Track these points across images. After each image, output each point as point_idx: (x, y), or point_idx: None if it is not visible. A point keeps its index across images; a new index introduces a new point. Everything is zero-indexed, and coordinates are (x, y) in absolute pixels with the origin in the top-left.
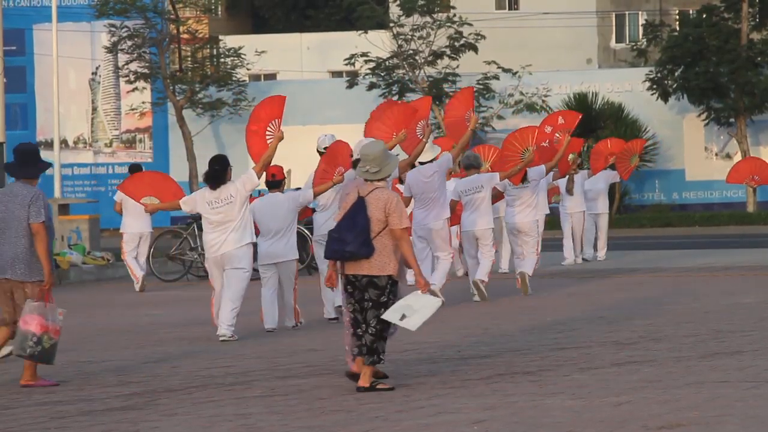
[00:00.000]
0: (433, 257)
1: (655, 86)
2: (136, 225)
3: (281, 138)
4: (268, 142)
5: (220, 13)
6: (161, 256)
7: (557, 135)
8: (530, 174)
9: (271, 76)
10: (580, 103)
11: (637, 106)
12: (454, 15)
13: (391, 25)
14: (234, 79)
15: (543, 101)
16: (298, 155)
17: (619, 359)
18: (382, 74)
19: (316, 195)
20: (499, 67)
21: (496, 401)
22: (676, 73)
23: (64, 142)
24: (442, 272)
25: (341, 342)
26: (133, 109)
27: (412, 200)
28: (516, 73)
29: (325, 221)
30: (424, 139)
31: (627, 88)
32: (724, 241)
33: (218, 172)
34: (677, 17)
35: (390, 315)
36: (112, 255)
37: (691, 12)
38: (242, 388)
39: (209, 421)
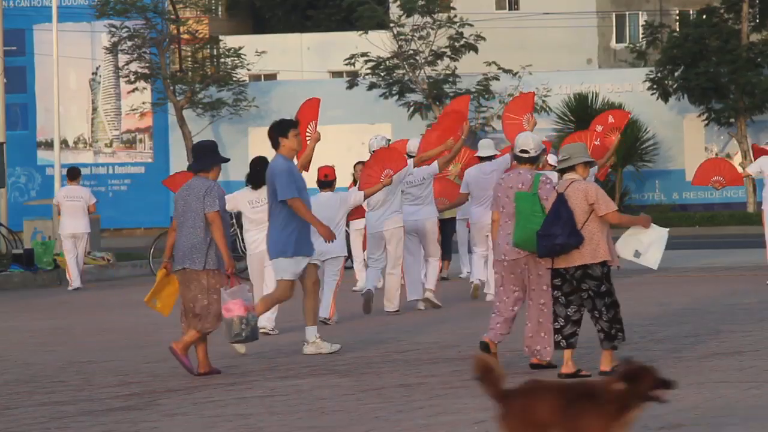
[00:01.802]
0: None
1: (655, 86)
2: (70, 226)
3: (318, 139)
4: (307, 143)
5: (220, 13)
6: (161, 256)
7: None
8: None
9: (271, 77)
10: (580, 103)
11: (637, 106)
12: (455, 15)
13: (392, 25)
14: (234, 79)
15: (543, 101)
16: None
17: (618, 359)
18: (383, 74)
19: (366, 197)
20: (499, 68)
21: None
22: (677, 74)
23: (64, 143)
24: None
25: (342, 341)
26: (133, 110)
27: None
28: (516, 73)
29: (377, 219)
30: (463, 137)
31: (627, 88)
32: (724, 241)
33: (260, 173)
34: (677, 18)
35: (623, 251)
36: (112, 255)
37: (691, 12)
38: (242, 388)
39: (209, 422)
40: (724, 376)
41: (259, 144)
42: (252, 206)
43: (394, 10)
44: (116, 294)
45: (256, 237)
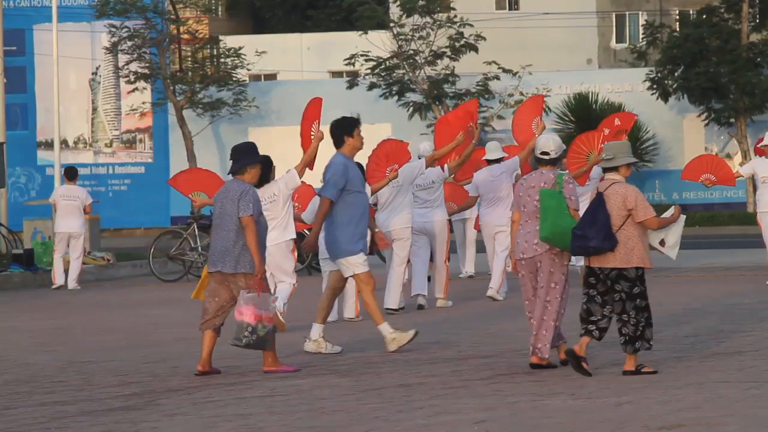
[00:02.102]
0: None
1: (655, 86)
2: (65, 225)
3: (321, 138)
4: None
5: (220, 13)
6: (161, 257)
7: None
8: (592, 173)
9: (271, 77)
10: (580, 103)
11: (637, 106)
12: (455, 15)
13: (392, 25)
14: (234, 79)
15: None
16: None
17: (619, 359)
18: (383, 74)
19: (372, 192)
20: (499, 68)
21: (497, 402)
22: (676, 74)
23: (64, 143)
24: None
25: (342, 341)
26: (133, 110)
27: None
28: (516, 73)
29: (386, 219)
30: (473, 141)
31: (627, 88)
32: (724, 241)
33: (262, 172)
34: (677, 17)
35: (650, 239)
36: (112, 255)
37: (691, 12)
38: (242, 388)
39: (209, 422)
40: (724, 376)
41: (259, 144)
42: None
43: (394, 10)
44: (116, 294)
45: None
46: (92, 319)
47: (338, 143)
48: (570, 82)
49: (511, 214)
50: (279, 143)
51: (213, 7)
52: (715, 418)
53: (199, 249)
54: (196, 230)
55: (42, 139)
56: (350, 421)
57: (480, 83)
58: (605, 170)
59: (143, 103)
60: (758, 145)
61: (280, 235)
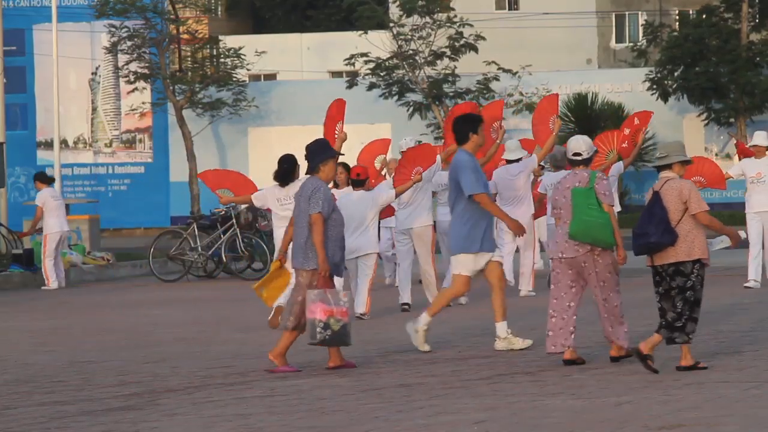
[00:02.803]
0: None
1: (655, 86)
2: (57, 224)
3: (345, 139)
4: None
5: (220, 13)
6: (161, 257)
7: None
8: (611, 171)
9: (271, 77)
10: (580, 103)
11: (637, 106)
12: (455, 16)
13: (391, 25)
14: (234, 79)
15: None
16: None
17: (624, 361)
18: (382, 74)
19: (397, 195)
20: (499, 68)
21: (497, 401)
22: (676, 74)
23: (64, 143)
24: (528, 268)
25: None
26: (133, 110)
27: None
28: (516, 73)
29: (407, 217)
30: (498, 141)
31: (627, 88)
32: None
33: (287, 171)
34: (677, 17)
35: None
36: (112, 255)
37: (691, 12)
38: (242, 388)
39: (209, 422)
40: (724, 376)
41: (258, 144)
42: (280, 203)
43: (394, 10)
44: (116, 294)
45: (283, 233)
46: (92, 319)
47: (462, 140)
48: (570, 82)
49: (554, 220)
50: (279, 143)
51: (213, 7)
52: (715, 418)
53: (199, 249)
54: (196, 230)
55: (42, 139)
56: (350, 421)
57: (480, 83)
58: (659, 169)
59: (143, 103)
60: (747, 145)
61: None
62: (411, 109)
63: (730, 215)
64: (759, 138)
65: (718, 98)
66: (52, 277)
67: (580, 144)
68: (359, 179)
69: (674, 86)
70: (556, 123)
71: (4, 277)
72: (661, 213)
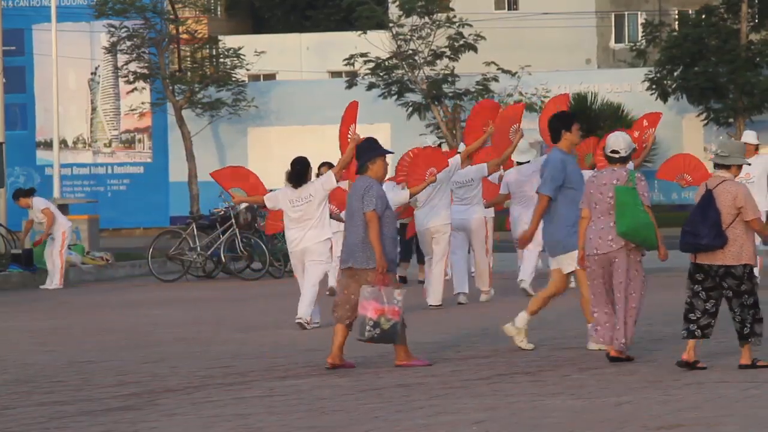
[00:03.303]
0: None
1: (654, 86)
2: (65, 221)
3: (358, 141)
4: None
5: (219, 13)
6: (160, 257)
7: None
8: None
9: (270, 77)
10: (579, 103)
11: (636, 106)
12: (454, 16)
13: (391, 25)
14: (233, 79)
15: (542, 101)
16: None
17: (619, 362)
18: (382, 74)
19: (411, 195)
20: (498, 68)
21: (496, 401)
22: (676, 74)
23: (63, 143)
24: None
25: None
26: (132, 110)
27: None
28: (515, 73)
29: (424, 217)
30: (515, 143)
31: (626, 88)
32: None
33: (300, 172)
34: (676, 17)
35: None
36: (112, 255)
37: (690, 12)
38: (241, 388)
39: (208, 422)
40: (723, 376)
41: (258, 144)
42: (292, 205)
43: (393, 11)
44: (115, 294)
45: (296, 235)
46: (91, 319)
47: (555, 138)
48: (569, 82)
49: (581, 210)
50: (278, 143)
51: (212, 7)
52: (715, 418)
53: (198, 249)
54: (195, 230)
55: (41, 139)
56: (350, 421)
57: (479, 83)
58: (716, 166)
59: (142, 103)
60: None
61: (317, 234)
62: (410, 109)
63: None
64: (748, 137)
65: (717, 98)
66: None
67: (619, 141)
68: None
69: (673, 86)
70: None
71: (3, 277)
72: (715, 216)
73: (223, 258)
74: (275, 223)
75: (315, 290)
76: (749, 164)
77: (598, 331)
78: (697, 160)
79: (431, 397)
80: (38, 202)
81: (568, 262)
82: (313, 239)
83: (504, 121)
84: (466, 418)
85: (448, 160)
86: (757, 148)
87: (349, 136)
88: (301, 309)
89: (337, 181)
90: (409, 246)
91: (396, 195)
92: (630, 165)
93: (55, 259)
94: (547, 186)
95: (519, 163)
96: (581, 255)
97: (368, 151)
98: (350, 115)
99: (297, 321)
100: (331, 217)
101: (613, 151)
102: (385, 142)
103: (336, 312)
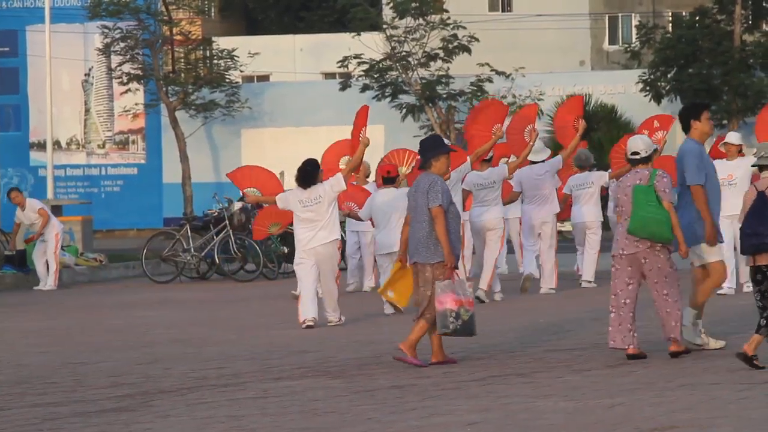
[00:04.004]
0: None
1: (648, 88)
2: (58, 222)
3: (367, 144)
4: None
5: (213, 14)
6: (154, 258)
7: (657, 134)
8: None
9: (264, 78)
10: None
11: (630, 108)
12: (448, 18)
13: (384, 27)
14: (227, 80)
15: (536, 103)
16: (291, 156)
17: (612, 361)
18: (375, 76)
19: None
20: (492, 70)
21: (489, 403)
22: (669, 75)
23: (57, 144)
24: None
25: (334, 343)
26: (126, 111)
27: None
28: (509, 75)
29: None
30: (531, 143)
31: (620, 90)
32: None
33: (310, 174)
34: (670, 19)
35: None
36: (105, 256)
37: (684, 14)
38: (235, 389)
39: (202, 423)
40: (717, 378)
41: (251, 145)
42: (303, 206)
43: (387, 12)
44: (109, 295)
45: (306, 234)
46: (85, 320)
47: (686, 128)
48: (563, 83)
49: (615, 216)
50: (272, 144)
51: (206, 9)
52: (708, 419)
53: (192, 250)
54: (189, 231)
55: (35, 140)
56: (343, 422)
57: (473, 85)
58: (761, 168)
59: (136, 104)
60: (718, 145)
61: (328, 235)
62: (404, 110)
63: None
64: (732, 137)
65: (711, 100)
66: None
67: (638, 143)
68: (390, 177)
69: (667, 88)
70: (580, 124)
71: None
72: None
73: (216, 259)
74: (262, 228)
75: (335, 291)
76: None
77: (610, 331)
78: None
79: (424, 399)
80: (33, 203)
81: (708, 251)
82: (323, 240)
83: (519, 121)
84: (460, 419)
85: (462, 163)
86: (740, 149)
87: (360, 138)
88: (326, 313)
89: (346, 183)
90: None
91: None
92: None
93: (49, 261)
94: (698, 175)
95: (532, 162)
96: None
97: (432, 148)
98: (362, 119)
99: (329, 324)
100: (349, 216)
101: (634, 153)
102: (378, 144)
103: (420, 311)
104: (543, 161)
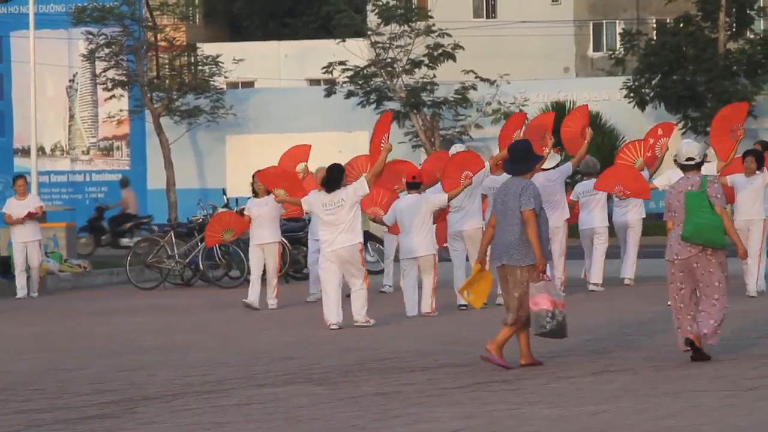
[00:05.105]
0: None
1: (632, 95)
2: (20, 234)
3: (389, 150)
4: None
5: (197, 20)
6: (138, 264)
7: (661, 141)
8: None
9: (248, 84)
10: (558, 111)
11: (614, 114)
12: (433, 25)
13: (369, 33)
14: (212, 86)
15: (520, 110)
16: (275, 162)
17: (596, 368)
18: (360, 82)
19: (449, 199)
20: (477, 77)
21: (474, 410)
22: (654, 82)
23: (41, 150)
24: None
25: (318, 350)
26: (110, 117)
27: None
28: (494, 82)
29: (458, 220)
30: (546, 150)
31: (604, 96)
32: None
33: (334, 178)
34: (654, 26)
35: None
36: (89, 263)
37: (668, 21)
38: (220, 396)
39: (186, 430)
40: (701, 385)
41: (236, 151)
42: (325, 209)
43: (372, 19)
44: (93, 302)
45: (328, 237)
46: (69, 326)
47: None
48: (547, 90)
49: (666, 222)
50: (256, 151)
51: (190, 15)
52: (692, 426)
53: (176, 257)
54: (173, 238)
55: (19, 146)
56: (327, 429)
57: (458, 92)
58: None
59: (120, 110)
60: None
61: (350, 238)
62: None
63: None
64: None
65: (695, 107)
66: (20, 290)
67: (692, 149)
68: (415, 182)
69: (651, 94)
70: (587, 132)
71: None
72: None
73: (201, 266)
74: (215, 235)
75: (364, 293)
76: None
77: (678, 333)
78: (634, 171)
79: (408, 406)
80: (36, 198)
81: None
82: (345, 242)
83: (534, 129)
84: (444, 426)
85: (481, 168)
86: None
87: (382, 145)
88: (354, 314)
89: (369, 189)
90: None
91: (434, 198)
92: (646, 172)
93: (32, 268)
94: None
95: (544, 169)
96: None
97: (528, 158)
98: (383, 125)
99: (355, 324)
100: (374, 221)
101: (689, 159)
102: (363, 151)
103: (509, 314)
104: (554, 168)
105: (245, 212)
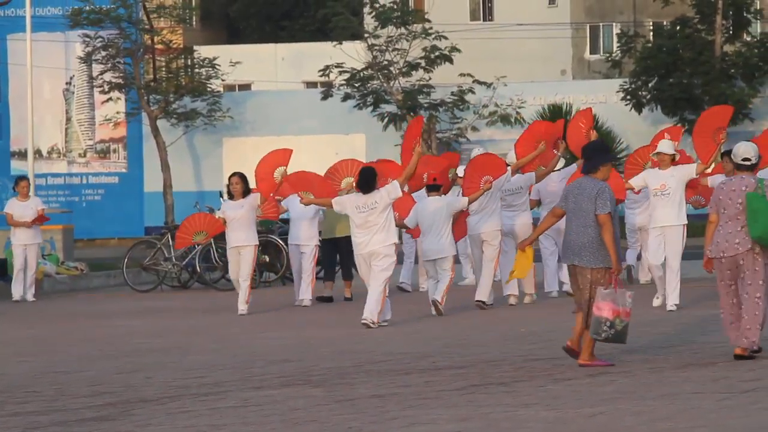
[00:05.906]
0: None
1: (629, 97)
2: (22, 236)
3: (421, 153)
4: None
5: (194, 23)
6: (135, 267)
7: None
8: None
9: (245, 87)
10: (555, 114)
11: (611, 117)
12: (430, 28)
13: (366, 36)
14: (208, 89)
15: (517, 113)
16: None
17: (593, 370)
18: (357, 85)
19: (470, 202)
20: (474, 80)
21: (470, 412)
22: (650, 85)
23: (38, 152)
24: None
25: (315, 352)
26: (107, 120)
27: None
28: (491, 84)
29: (476, 222)
30: (558, 153)
31: (601, 99)
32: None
33: (369, 180)
34: (651, 29)
35: None
36: (86, 265)
37: (665, 23)
38: (216, 398)
39: None
40: (698, 387)
41: (233, 154)
42: (358, 211)
43: (369, 21)
44: (90, 304)
45: (362, 239)
46: (66, 329)
47: None
48: (544, 93)
49: (709, 215)
50: (253, 154)
51: (187, 18)
52: (689, 429)
53: (173, 259)
54: (170, 240)
55: (16, 149)
56: (323, 431)
57: (454, 94)
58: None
59: (117, 113)
60: (650, 155)
61: (385, 238)
62: (386, 119)
63: (702, 225)
64: (664, 146)
65: (691, 109)
66: (17, 293)
67: (749, 150)
68: (435, 184)
69: (648, 97)
70: (592, 134)
71: None
72: None
73: (198, 268)
74: (186, 237)
75: (380, 291)
76: None
77: (727, 331)
78: (613, 172)
79: (405, 408)
80: (38, 200)
81: None
82: (379, 243)
83: (547, 134)
84: (440, 428)
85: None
86: (673, 158)
87: (414, 149)
88: (366, 310)
89: (402, 192)
90: (332, 266)
91: (455, 202)
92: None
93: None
94: None
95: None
96: (706, 259)
97: (601, 153)
98: (415, 129)
99: (362, 322)
100: (396, 225)
101: (745, 159)
102: (360, 153)
103: (576, 307)
104: (559, 170)
105: (219, 215)
